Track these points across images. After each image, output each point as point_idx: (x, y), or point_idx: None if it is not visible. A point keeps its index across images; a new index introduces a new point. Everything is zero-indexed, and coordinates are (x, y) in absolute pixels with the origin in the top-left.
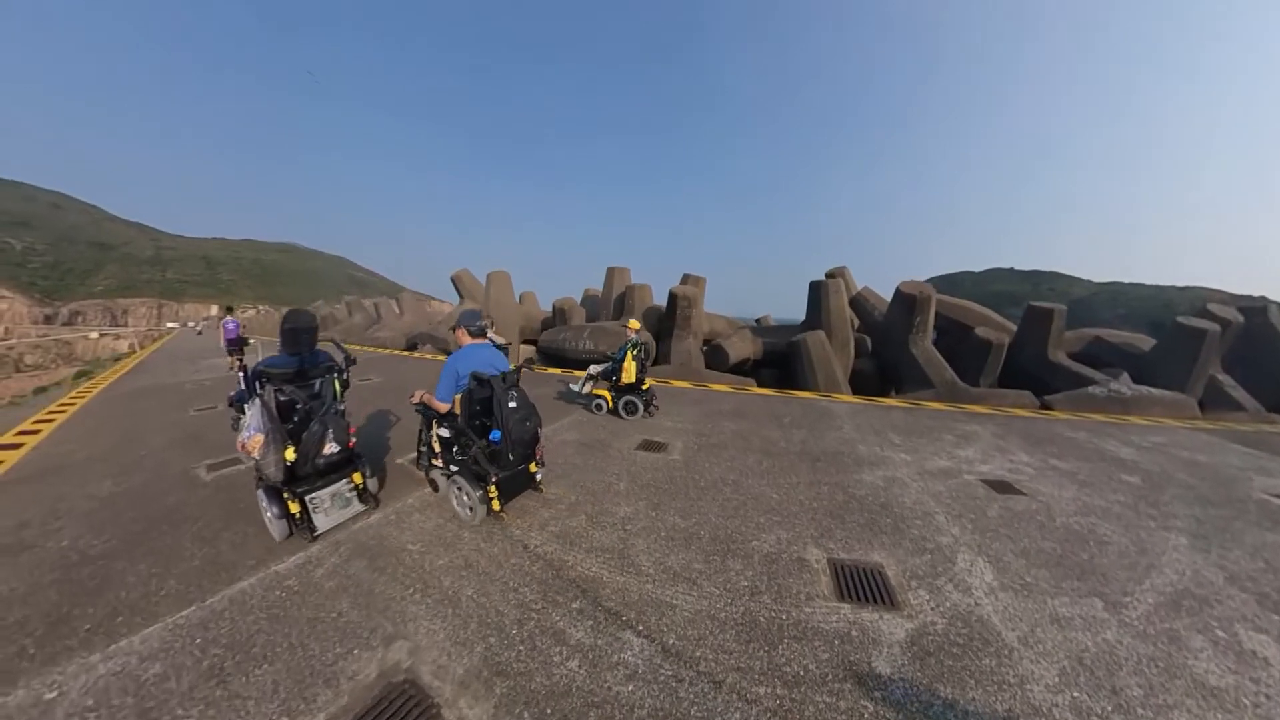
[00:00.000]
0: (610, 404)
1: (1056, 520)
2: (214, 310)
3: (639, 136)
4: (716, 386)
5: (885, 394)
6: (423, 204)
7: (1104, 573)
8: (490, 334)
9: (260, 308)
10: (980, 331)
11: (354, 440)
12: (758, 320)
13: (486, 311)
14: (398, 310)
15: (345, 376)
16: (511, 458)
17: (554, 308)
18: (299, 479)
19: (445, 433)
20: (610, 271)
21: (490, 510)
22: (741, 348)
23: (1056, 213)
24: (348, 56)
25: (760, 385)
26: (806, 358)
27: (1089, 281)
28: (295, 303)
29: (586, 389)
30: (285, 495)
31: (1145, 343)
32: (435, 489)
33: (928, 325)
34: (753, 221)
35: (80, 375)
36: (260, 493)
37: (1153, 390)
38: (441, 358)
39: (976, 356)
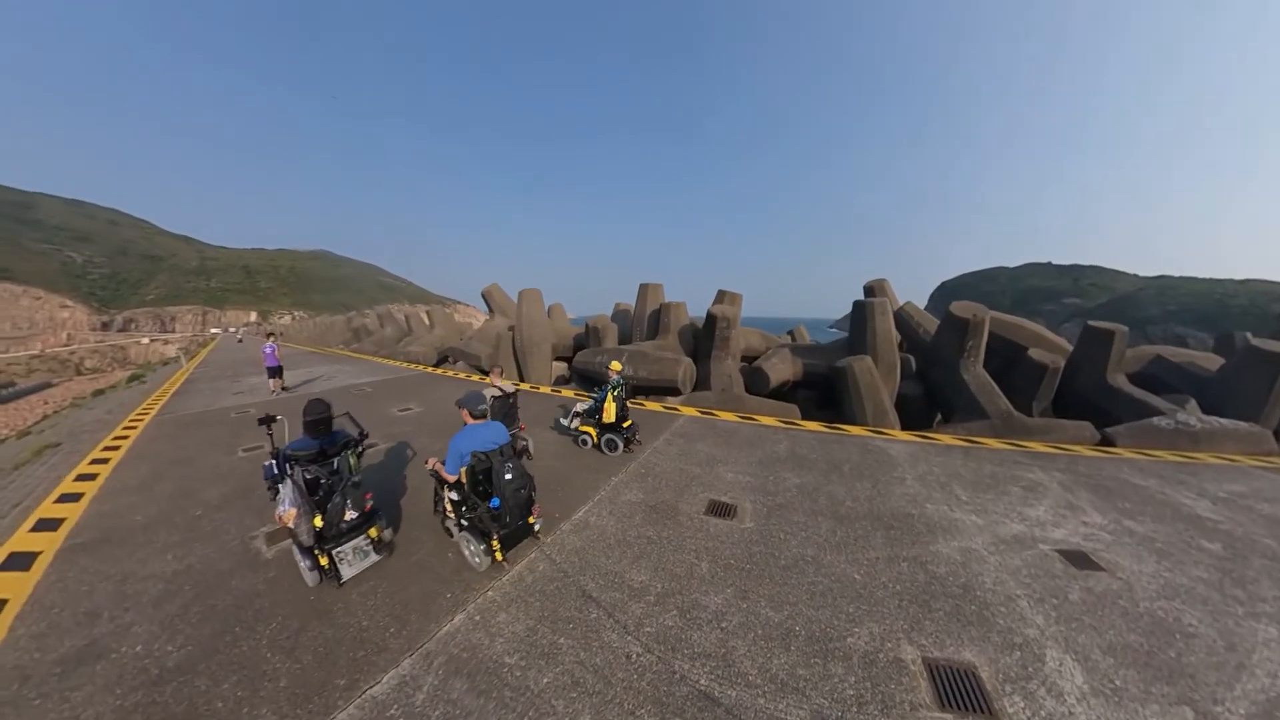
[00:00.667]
0: (595, 440)
1: (1140, 605)
2: (253, 316)
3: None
4: (764, 420)
5: (933, 419)
6: (446, 209)
7: (1192, 674)
8: (498, 380)
9: (295, 314)
10: (1034, 353)
11: (370, 504)
12: (790, 334)
13: (519, 328)
14: (428, 323)
15: (361, 449)
16: (509, 519)
17: (587, 326)
18: (327, 539)
19: (454, 496)
20: (643, 289)
21: (494, 560)
22: (781, 370)
23: (1093, 204)
24: (371, 67)
25: (800, 408)
26: (854, 387)
27: (1134, 275)
28: (330, 308)
29: (575, 425)
30: (316, 551)
31: (1211, 362)
32: (450, 535)
33: (980, 349)
34: (773, 219)
35: (133, 379)
36: (296, 550)
37: (1223, 421)
38: (475, 377)
39: (1029, 380)
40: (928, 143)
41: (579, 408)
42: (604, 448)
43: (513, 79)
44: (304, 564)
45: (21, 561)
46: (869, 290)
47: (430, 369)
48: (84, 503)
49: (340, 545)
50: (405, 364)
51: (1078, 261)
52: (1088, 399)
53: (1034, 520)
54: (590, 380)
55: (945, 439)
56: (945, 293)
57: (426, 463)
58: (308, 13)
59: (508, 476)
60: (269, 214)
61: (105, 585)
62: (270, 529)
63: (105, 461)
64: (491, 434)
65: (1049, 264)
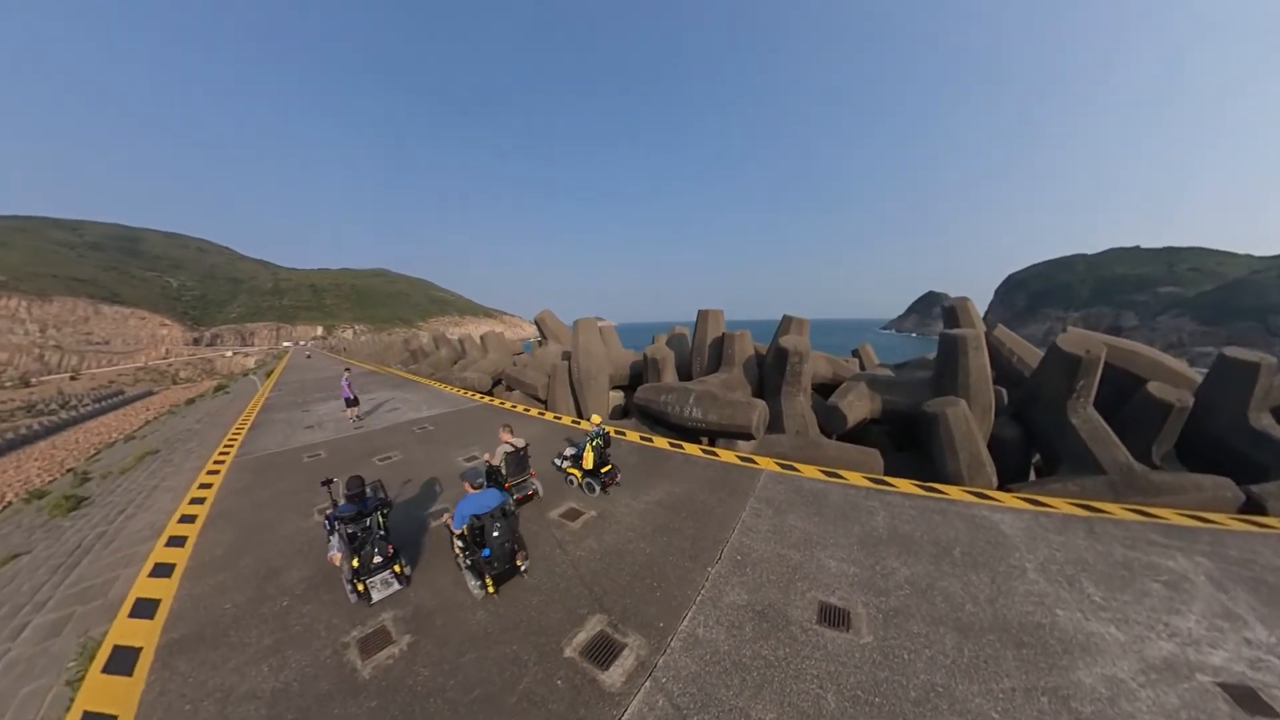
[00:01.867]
0: (579, 480)
1: None
2: (319, 330)
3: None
4: (850, 477)
5: (1030, 461)
6: (489, 222)
7: None
8: (509, 438)
9: (356, 327)
10: (1155, 389)
11: (391, 550)
12: (856, 354)
13: (575, 359)
14: (481, 346)
15: (387, 511)
16: (495, 565)
17: (645, 357)
18: (361, 573)
19: (460, 544)
20: (702, 315)
21: (487, 593)
22: (859, 408)
23: (1185, 180)
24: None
25: (875, 442)
26: (945, 436)
27: (1247, 256)
28: (387, 321)
29: (565, 466)
30: (355, 581)
31: None
32: (460, 569)
33: (1092, 389)
34: (814, 213)
35: (219, 389)
36: (344, 580)
37: None
38: (534, 411)
39: (1148, 419)
40: (979, 111)
41: (567, 452)
42: (584, 488)
43: (537, 97)
44: (347, 588)
45: (124, 662)
46: (950, 314)
47: (486, 398)
48: (176, 578)
49: (371, 577)
50: (461, 391)
51: (1171, 244)
52: (1223, 444)
53: (1185, 635)
54: (652, 419)
55: (1060, 505)
56: (1014, 286)
57: (444, 518)
58: (368, 54)
59: (495, 534)
60: (334, 236)
61: (208, 705)
62: (360, 634)
63: (192, 520)
64: (486, 500)
65: (1136, 248)
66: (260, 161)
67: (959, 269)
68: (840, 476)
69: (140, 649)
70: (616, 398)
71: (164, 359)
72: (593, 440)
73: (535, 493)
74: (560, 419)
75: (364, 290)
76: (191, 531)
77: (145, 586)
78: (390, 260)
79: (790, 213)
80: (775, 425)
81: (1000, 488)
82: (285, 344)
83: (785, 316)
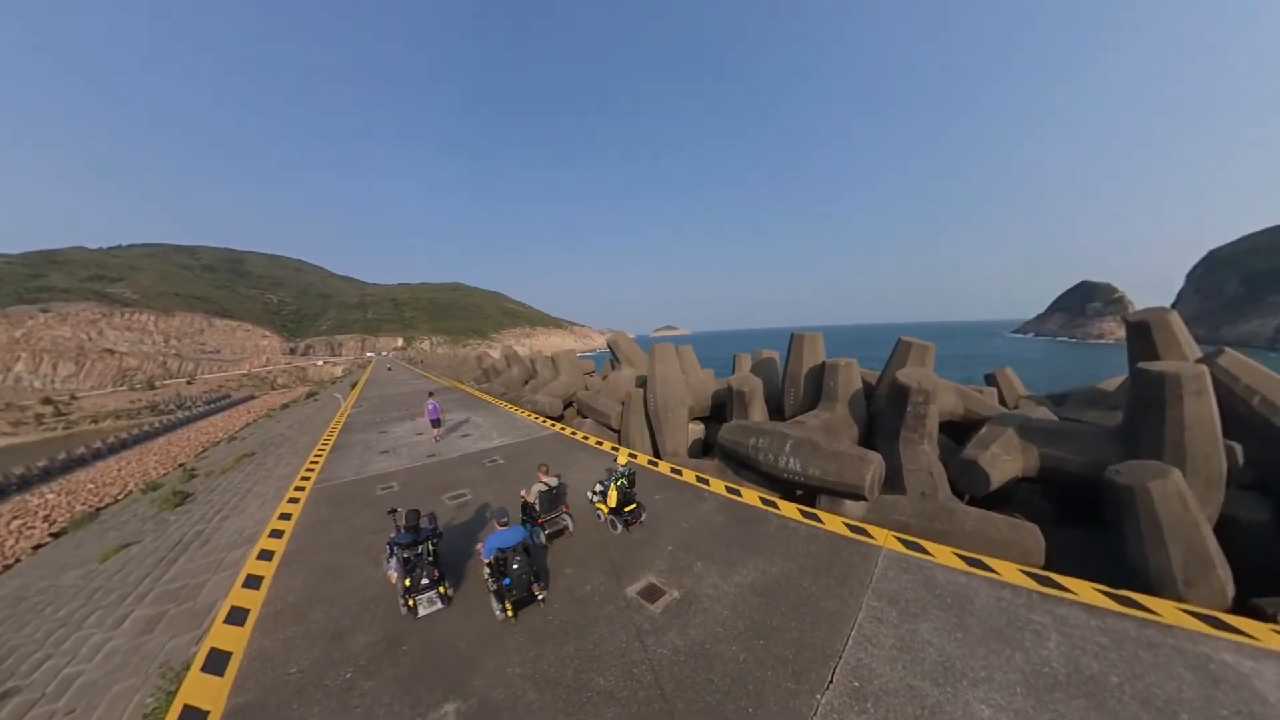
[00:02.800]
0: (604, 516)
1: None
2: (399, 342)
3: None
4: (1004, 571)
5: None
6: (558, 233)
7: None
8: (545, 477)
9: (434, 338)
10: None
11: (437, 574)
12: (992, 379)
13: (651, 388)
14: (553, 366)
15: (437, 540)
16: (514, 593)
17: (731, 389)
18: (411, 591)
19: (487, 571)
20: (797, 340)
21: (507, 616)
22: (1006, 464)
23: None
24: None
25: (1027, 509)
26: (1149, 521)
27: None
28: (462, 333)
29: (594, 501)
30: (406, 597)
31: None
32: (488, 593)
33: None
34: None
35: (310, 396)
36: (398, 596)
37: None
38: (607, 445)
39: None
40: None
41: (597, 487)
42: (608, 525)
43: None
44: (400, 601)
45: None
46: (1140, 333)
47: (558, 427)
48: (249, 626)
49: (419, 595)
50: (532, 415)
51: None
52: None
53: None
54: (738, 463)
55: None
56: (1219, 267)
57: (477, 547)
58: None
59: (515, 566)
60: (413, 251)
61: None
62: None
63: (270, 557)
64: (510, 537)
65: None
66: (348, 183)
67: (1123, 249)
68: (987, 567)
69: (208, 713)
70: (696, 430)
71: (264, 367)
72: (617, 479)
73: (566, 528)
74: (635, 457)
75: (440, 303)
76: (268, 571)
77: (220, 635)
78: (465, 273)
79: (891, 200)
80: (892, 481)
81: (1241, 605)
82: (369, 354)
83: (902, 340)
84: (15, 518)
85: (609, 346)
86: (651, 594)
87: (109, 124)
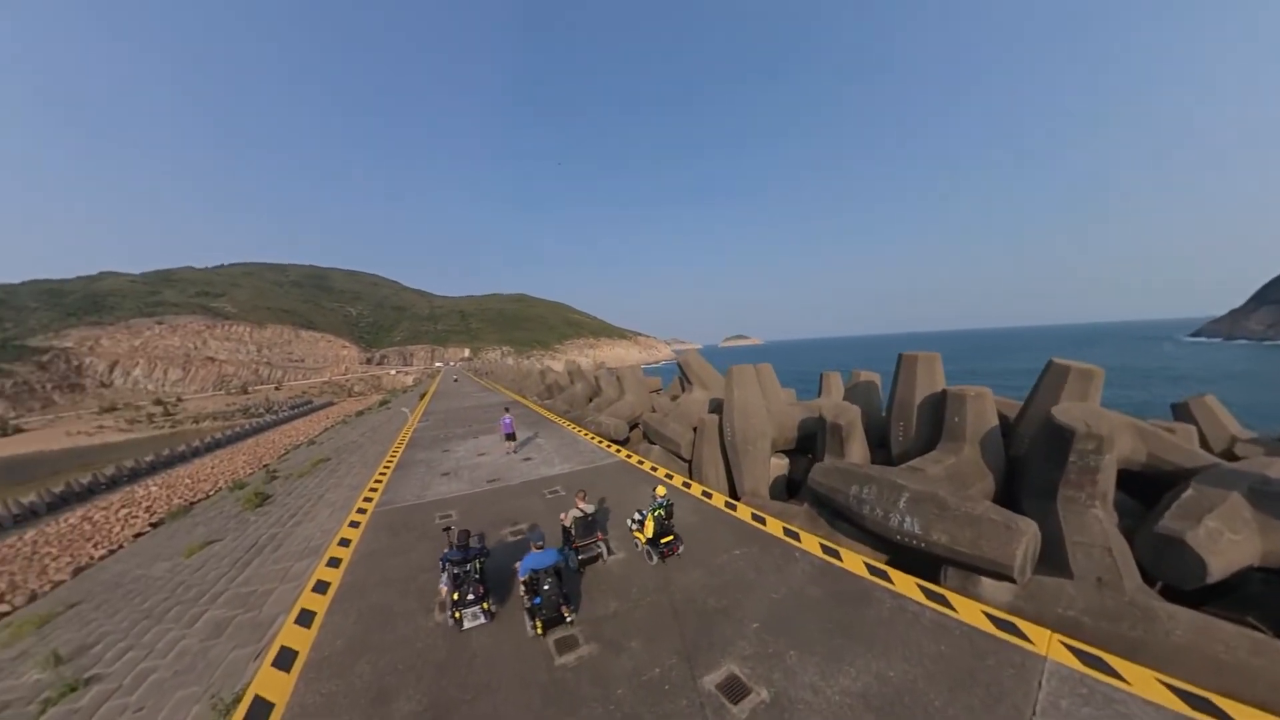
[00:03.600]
0: (642, 545)
1: None
2: (466, 353)
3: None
4: None
5: None
6: (624, 243)
7: None
8: (581, 504)
9: (500, 349)
10: None
11: (483, 590)
12: (1182, 411)
13: (728, 417)
14: (618, 384)
15: (484, 560)
16: (544, 612)
17: (824, 421)
18: (458, 605)
19: (521, 589)
20: (909, 361)
21: (537, 633)
22: (1236, 548)
23: None
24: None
25: (1262, 615)
26: None
27: None
28: (526, 344)
29: (634, 530)
30: (453, 610)
31: None
32: (522, 610)
33: None
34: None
35: (383, 404)
36: (447, 609)
37: None
38: (678, 479)
39: None
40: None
41: (636, 516)
42: (644, 555)
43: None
44: (446, 612)
45: None
46: None
47: (624, 453)
48: (295, 674)
49: (465, 610)
50: (595, 438)
51: None
52: None
53: None
54: (834, 512)
55: None
56: None
57: (515, 566)
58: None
59: (545, 587)
60: (480, 264)
61: None
62: None
63: (325, 590)
64: (544, 559)
65: None
66: (422, 200)
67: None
68: (1224, 716)
69: None
70: (779, 466)
71: (343, 375)
72: (654, 510)
73: (601, 556)
74: (710, 497)
75: (506, 315)
76: (321, 606)
77: (267, 682)
78: (530, 284)
79: (1007, 175)
80: (1049, 557)
81: None
82: (437, 364)
83: (1053, 363)
84: (123, 507)
85: (679, 365)
86: (734, 690)
87: (222, 153)
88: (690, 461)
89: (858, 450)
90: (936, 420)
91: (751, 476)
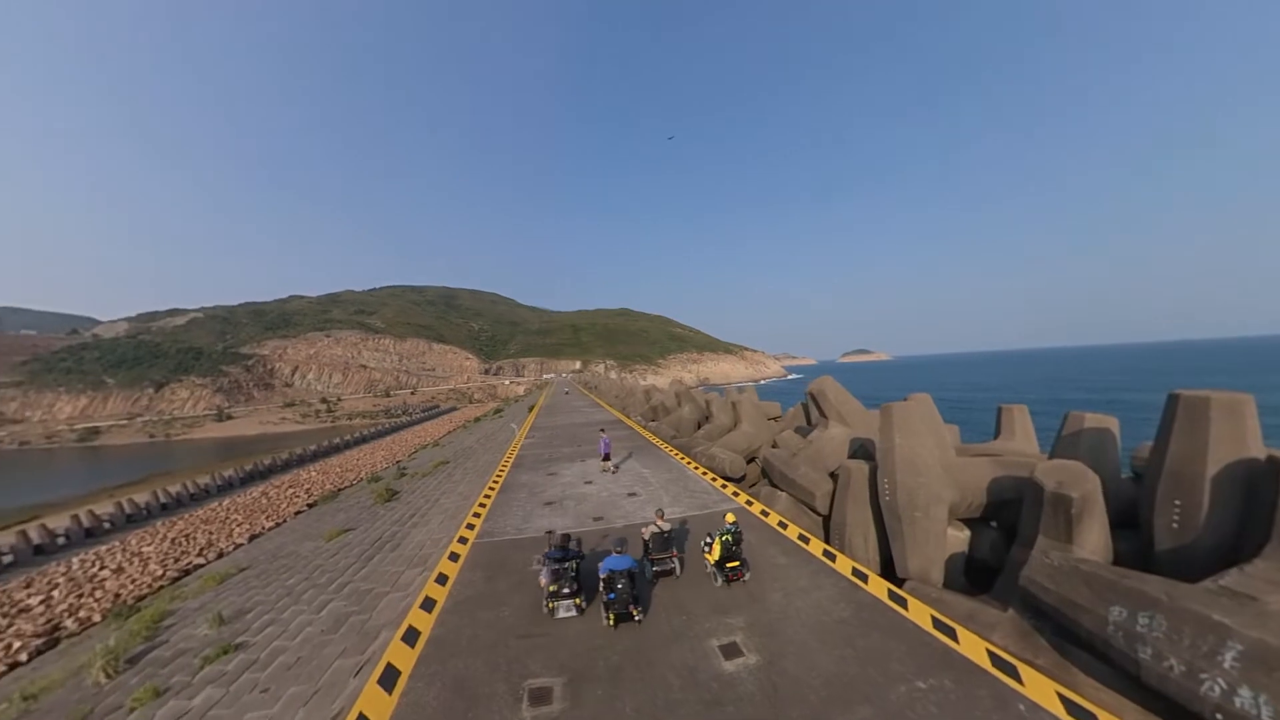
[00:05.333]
0: (710, 566)
1: None
2: (577, 365)
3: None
4: None
5: None
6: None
7: None
8: (660, 521)
9: (605, 362)
10: None
11: (576, 588)
12: None
13: (888, 470)
14: (732, 411)
15: (580, 561)
16: (616, 608)
17: (1044, 491)
18: (554, 597)
19: (601, 586)
20: (1194, 406)
21: (610, 624)
22: None
23: None
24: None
25: None
26: None
27: None
28: (630, 358)
29: (705, 552)
30: (548, 601)
31: None
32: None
33: None
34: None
35: (497, 411)
36: (544, 599)
37: None
38: (819, 551)
39: None
40: None
41: (706, 539)
42: (711, 576)
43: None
44: (544, 603)
45: None
46: None
47: (744, 498)
48: None
49: (559, 601)
50: (706, 474)
51: None
52: None
53: None
54: (1060, 628)
55: None
56: None
57: (597, 565)
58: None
59: (619, 586)
60: (587, 278)
61: None
62: None
63: (414, 641)
64: (621, 563)
65: None
66: (535, 220)
67: None
68: None
69: None
70: (957, 539)
71: (465, 384)
72: (723, 535)
73: (674, 571)
74: (866, 581)
75: (612, 328)
76: (407, 665)
77: None
78: (633, 297)
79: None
80: None
81: None
82: (546, 376)
83: None
84: (290, 487)
85: (810, 394)
86: None
87: (375, 188)
88: (827, 518)
89: (1095, 537)
90: (1252, 503)
91: (921, 554)
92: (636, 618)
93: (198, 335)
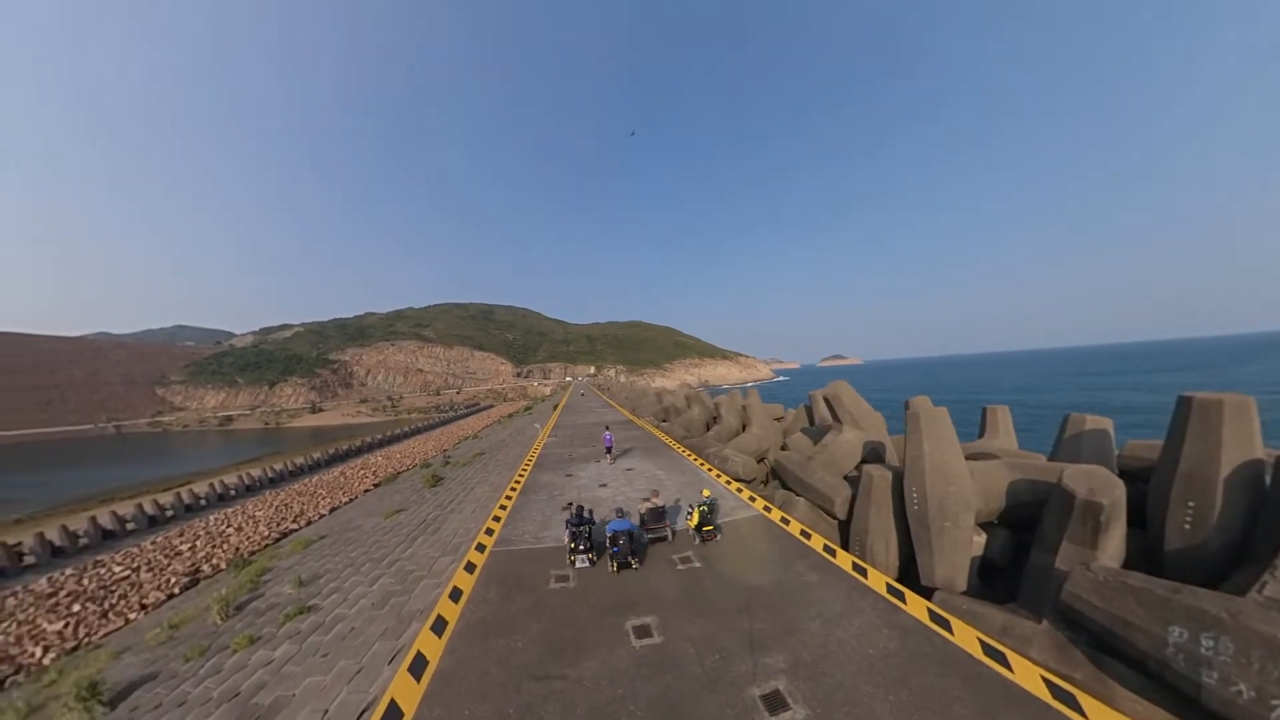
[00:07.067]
0: (691, 528)
1: None
2: (592, 370)
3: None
4: None
5: None
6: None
7: None
8: (656, 499)
9: (617, 367)
10: None
11: (589, 545)
12: None
13: (917, 477)
14: (742, 413)
15: (592, 527)
16: (619, 559)
17: (1074, 498)
18: (573, 553)
19: (607, 542)
20: (1205, 409)
21: (613, 571)
22: None
23: None
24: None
25: None
26: None
27: None
28: (640, 365)
29: (687, 519)
30: (570, 555)
31: None
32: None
33: None
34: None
35: (527, 409)
36: (567, 554)
37: None
38: (848, 567)
39: None
40: None
41: (687, 510)
42: (691, 537)
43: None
44: (567, 556)
45: None
46: None
47: (760, 504)
48: None
49: (577, 555)
50: (720, 476)
51: None
52: None
53: None
54: (1116, 651)
55: None
56: None
57: (602, 523)
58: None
59: (620, 542)
60: (602, 295)
61: None
62: None
63: (420, 673)
64: (621, 525)
65: None
66: (559, 246)
67: None
68: None
69: None
70: (977, 544)
71: (500, 385)
72: (699, 506)
73: (665, 538)
74: (905, 601)
75: (623, 338)
76: (411, 703)
77: None
78: (645, 310)
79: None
80: None
81: None
82: (568, 379)
83: None
84: (362, 469)
85: (826, 400)
86: None
87: (427, 217)
88: (846, 522)
89: (1115, 543)
90: (1262, 503)
91: (948, 563)
92: (634, 566)
93: (299, 345)
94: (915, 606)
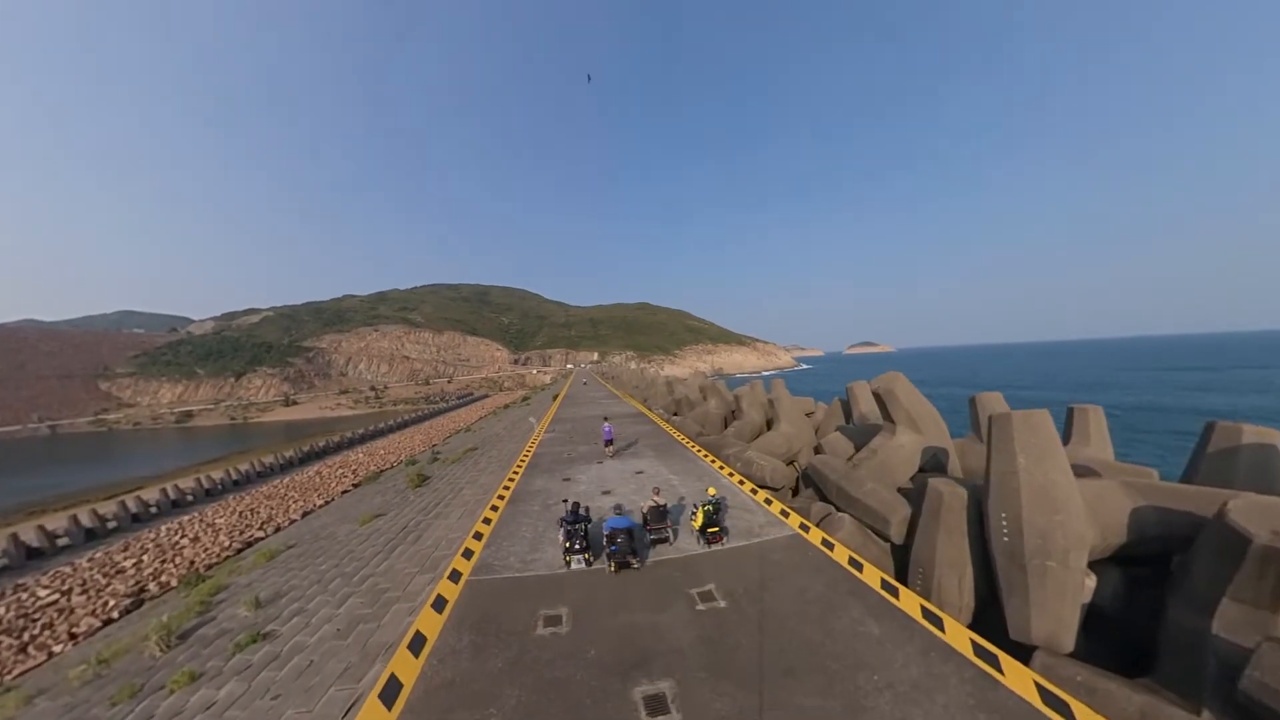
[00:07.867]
0: (696, 529)
1: None
2: (595, 356)
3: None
4: None
5: None
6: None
7: None
8: (657, 497)
9: (625, 353)
10: None
11: (585, 544)
12: None
13: (1003, 500)
14: (769, 407)
15: (588, 525)
16: (618, 558)
17: (1250, 541)
18: (568, 552)
19: (605, 540)
20: None
21: (612, 570)
22: None
23: None
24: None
25: None
26: None
27: None
28: (648, 349)
29: (690, 519)
30: (565, 555)
31: None
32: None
33: None
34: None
35: (524, 400)
36: (563, 552)
37: None
38: (909, 607)
39: None
40: None
41: (691, 508)
42: (696, 539)
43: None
44: (562, 556)
45: None
46: None
47: (797, 521)
48: None
49: (573, 555)
50: (742, 483)
51: None
52: None
53: None
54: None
55: None
56: None
57: (601, 522)
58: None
59: (619, 540)
60: (606, 274)
61: None
62: None
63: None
64: (620, 522)
65: None
66: (561, 219)
67: None
68: None
69: None
70: (1090, 590)
71: (496, 373)
72: (704, 506)
73: (667, 539)
74: (999, 668)
75: (630, 321)
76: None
77: None
78: (653, 291)
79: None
80: None
81: None
82: (569, 366)
83: None
84: (341, 467)
85: (877, 395)
86: None
87: (417, 187)
88: (906, 548)
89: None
90: None
91: (1051, 614)
92: (634, 565)
93: (268, 331)
94: (1017, 678)
